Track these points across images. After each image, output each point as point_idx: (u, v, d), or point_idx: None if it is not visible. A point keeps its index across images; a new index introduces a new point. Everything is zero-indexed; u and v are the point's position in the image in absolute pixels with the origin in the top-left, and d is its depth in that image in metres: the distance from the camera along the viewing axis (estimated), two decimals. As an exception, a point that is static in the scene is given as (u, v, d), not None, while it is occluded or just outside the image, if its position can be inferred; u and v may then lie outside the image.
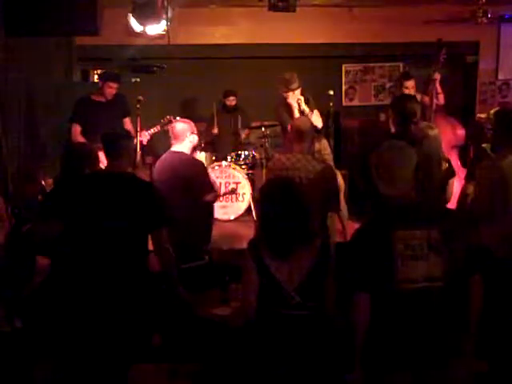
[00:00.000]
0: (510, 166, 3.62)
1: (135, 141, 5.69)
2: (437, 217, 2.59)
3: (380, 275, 2.49)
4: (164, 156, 4.76)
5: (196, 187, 4.56)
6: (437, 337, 2.53)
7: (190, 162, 4.72)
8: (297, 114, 5.39)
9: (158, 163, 4.77)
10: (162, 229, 3.36)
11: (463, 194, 3.79)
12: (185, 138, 4.66)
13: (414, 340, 2.51)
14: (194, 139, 4.72)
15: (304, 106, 5.42)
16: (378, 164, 2.68)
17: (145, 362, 3.48)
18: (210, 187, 4.74)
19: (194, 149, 4.86)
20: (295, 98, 5.41)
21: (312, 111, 5.50)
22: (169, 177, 4.53)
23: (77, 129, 5.83)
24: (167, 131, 6.38)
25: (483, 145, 4.35)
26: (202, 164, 5.15)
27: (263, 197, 2.94)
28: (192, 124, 4.78)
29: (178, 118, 6.64)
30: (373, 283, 2.51)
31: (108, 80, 5.97)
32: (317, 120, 5.47)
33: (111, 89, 5.96)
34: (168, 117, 6.28)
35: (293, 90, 5.43)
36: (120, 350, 3.17)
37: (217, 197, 5.01)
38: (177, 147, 4.66)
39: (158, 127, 6.23)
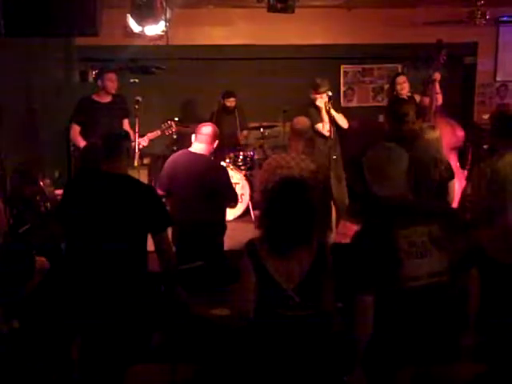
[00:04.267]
0: (507, 167, 3.63)
1: (133, 142, 5.69)
2: (436, 213, 2.59)
3: (385, 275, 2.49)
4: (183, 155, 4.63)
5: (220, 191, 4.53)
6: (439, 333, 2.53)
7: (216, 166, 4.72)
8: (325, 116, 5.72)
9: (173, 161, 4.63)
10: (165, 230, 3.37)
11: (464, 195, 3.80)
12: (213, 142, 4.60)
13: (416, 337, 2.51)
14: (215, 145, 4.69)
15: (332, 110, 5.74)
16: (368, 165, 2.70)
17: (144, 362, 3.47)
18: (233, 194, 4.73)
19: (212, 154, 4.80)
20: (323, 102, 5.74)
21: (338, 113, 5.94)
22: (190, 177, 4.44)
23: (76, 129, 5.82)
24: (166, 135, 6.46)
25: (484, 146, 4.37)
26: (226, 169, 5.14)
27: (275, 193, 2.90)
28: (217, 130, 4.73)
29: (176, 119, 6.68)
30: (377, 284, 2.51)
31: (106, 72, 5.95)
32: (342, 122, 5.99)
33: (112, 81, 5.92)
34: (169, 121, 6.29)
35: (321, 94, 5.80)
36: (119, 350, 3.16)
37: (237, 204, 5.07)
38: (199, 149, 4.56)
39: (159, 132, 6.23)
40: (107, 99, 5.98)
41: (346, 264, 2.62)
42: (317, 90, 5.84)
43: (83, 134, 5.76)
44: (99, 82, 5.99)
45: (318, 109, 5.84)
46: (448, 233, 2.52)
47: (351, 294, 2.58)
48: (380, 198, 2.64)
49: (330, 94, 5.67)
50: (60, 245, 3.44)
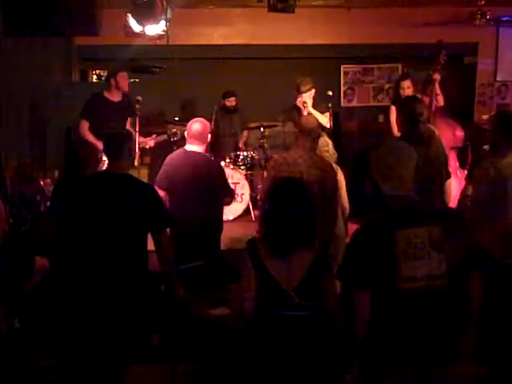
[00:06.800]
0: (508, 167, 3.63)
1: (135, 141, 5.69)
2: (437, 214, 2.59)
3: (382, 274, 2.49)
4: (181, 154, 4.64)
5: (217, 189, 4.56)
6: (437, 335, 2.53)
7: (212, 164, 4.73)
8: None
9: (171, 160, 4.63)
10: (165, 230, 3.37)
11: (463, 195, 3.80)
12: (206, 140, 4.62)
13: (414, 338, 2.51)
14: (208, 140, 4.70)
15: (310, 109, 5.98)
16: (379, 164, 2.68)
17: (143, 362, 3.47)
18: (229, 190, 4.76)
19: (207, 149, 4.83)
20: (302, 101, 5.98)
21: (322, 113, 6.04)
22: (189, 176, 4.46)
23: (85, 125, 5.82)
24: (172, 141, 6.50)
25: (484, 146, 4.36)
26: (220, 165, 5.19)
27: (272, 193, 2.89)
28: (208, 124, 4.74)
29: (176, 118, 6.69)
30: (374, 282, 2.51)
31: (120, 71, 5.99)
32: (323, 120, 5.95)
33: (125, 79, 6.00)
34: (174, 129, 6.38)
35: (300, 94, 6.02)
36: (118, 350, 3.16)
37: (233, 199, 5.12)
38: (195, 147, 4.57)
39: (165, 136, 6.31)
40: (118, 98, 6.04)
41: (344, 260, 2.62)
42: (297, 90, 6.05)
43: (92, 130, 5.77)
44: (112, 81, 6.00)
45: (299, 109, 6.03)
46: (449, 235, 2.51)
47: (348, 291, 2.57)
48: (387, 197, 2.63)
49: (311, 93, 5.95)
50: (60, 245, 3.43)
